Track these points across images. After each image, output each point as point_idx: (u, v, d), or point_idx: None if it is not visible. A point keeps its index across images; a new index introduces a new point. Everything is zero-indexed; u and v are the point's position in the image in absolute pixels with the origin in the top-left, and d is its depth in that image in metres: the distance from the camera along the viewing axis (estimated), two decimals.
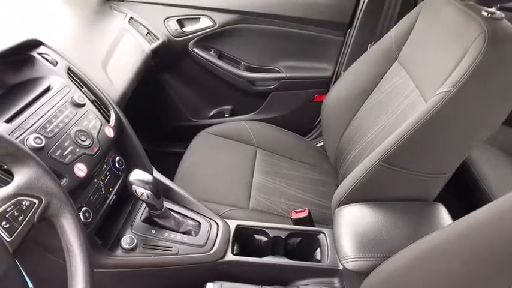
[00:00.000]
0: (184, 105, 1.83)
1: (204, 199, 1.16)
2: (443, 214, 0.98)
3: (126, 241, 0.95)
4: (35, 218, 0.58)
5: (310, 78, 1.70)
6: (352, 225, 0.95)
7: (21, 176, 0.60)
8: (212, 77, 1.74)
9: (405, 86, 1.11)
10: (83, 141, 0.88)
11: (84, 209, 0.88)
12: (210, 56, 1.70)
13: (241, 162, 1.36)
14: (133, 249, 0.94)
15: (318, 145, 1.69)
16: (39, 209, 0.59)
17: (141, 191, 0.90)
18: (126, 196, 1.05)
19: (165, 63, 1.70)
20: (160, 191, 0.94)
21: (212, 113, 1.87)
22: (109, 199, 0.98)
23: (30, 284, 0.68)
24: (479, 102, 0.88)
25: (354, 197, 1.01)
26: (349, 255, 0.89)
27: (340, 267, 0.98)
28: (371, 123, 1.19)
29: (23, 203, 0.58)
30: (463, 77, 0.84)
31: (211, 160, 1.37)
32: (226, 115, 1.85)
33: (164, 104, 1.82)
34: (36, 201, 0.59)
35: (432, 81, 0.97)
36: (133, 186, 0.90)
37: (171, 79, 1.78)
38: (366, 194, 1.01)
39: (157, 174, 1.12)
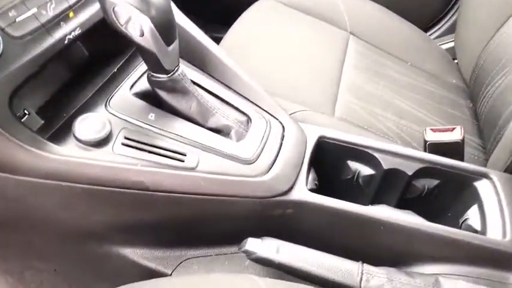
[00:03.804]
0: None
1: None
2: None
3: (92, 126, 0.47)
4: None
5: None
6: None
7: None
8: None
9: None
10: None
11: None
12: None
13: (326, 49, 0.98)
14: (102, 143, 0.47)
15: (445, 47, 1.27)
16: None
17: (127, 16, 0.42)
18: (111, 49, 0.57)
19: None
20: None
21: None
22: (65, 32, 0.46)
23: None
24: None
25: None
26: None
27: None
28: None
29: None
30: None
31: (279, 38, 0.98)
32: None
33: None
34: None
35: None
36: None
37: None
38: None
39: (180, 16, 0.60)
